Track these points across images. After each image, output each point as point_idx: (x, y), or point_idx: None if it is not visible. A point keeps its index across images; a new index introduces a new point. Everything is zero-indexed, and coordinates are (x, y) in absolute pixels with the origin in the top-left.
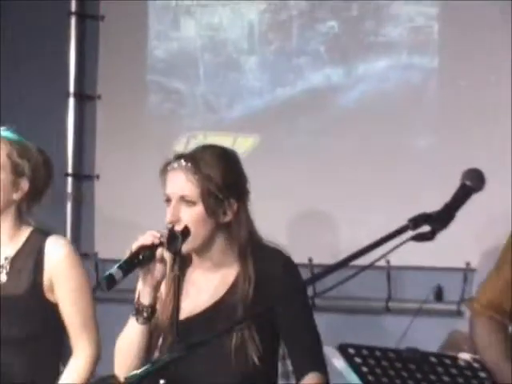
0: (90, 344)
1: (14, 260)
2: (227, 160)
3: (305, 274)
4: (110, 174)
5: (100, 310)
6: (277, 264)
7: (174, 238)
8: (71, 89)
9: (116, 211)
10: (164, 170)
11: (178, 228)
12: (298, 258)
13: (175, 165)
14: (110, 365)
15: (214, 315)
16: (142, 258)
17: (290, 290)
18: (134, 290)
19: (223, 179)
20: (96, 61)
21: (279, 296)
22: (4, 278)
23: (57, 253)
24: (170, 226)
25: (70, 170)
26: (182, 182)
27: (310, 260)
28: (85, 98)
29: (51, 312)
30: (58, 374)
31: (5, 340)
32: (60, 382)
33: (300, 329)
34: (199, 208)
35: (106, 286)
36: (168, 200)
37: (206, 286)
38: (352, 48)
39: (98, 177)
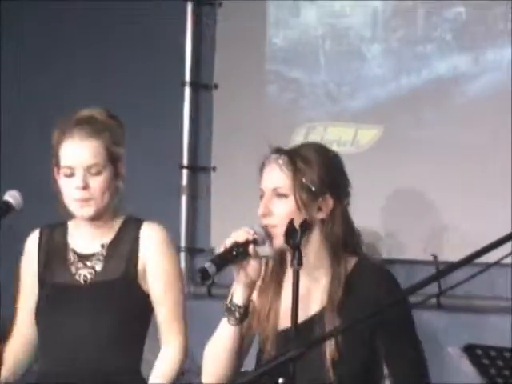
0: (179, 335)
1: (110, 247)
2: (325, 156)
3: (430, 271)
4: (227, 167)
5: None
6: (376, 282)
7: (294, 232)
8: (187, 78)
9: (233, 205)
10: (262, 165)
11: (271, 222)
12: (423, 254)
13: (271, 158)
14: None
15: (312, 326)
16: (236, 255)
17: (393, 314)
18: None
19: (319, 174)
20: (213, 49)
21: (380, 319)
22: (100, 265)
23: (152, 239)
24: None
25: (185, 163)
26: (275, 175)
27: (435, 257)
28: (201, 88)
29: (142, 300)
30: (140, 360)
31: (96, 326)
32: (154, 370)
33: (405, 345)
34: (290, 201)
35: (200, 279)
36: (262, 194)
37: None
38: (480, 35)
39: (214, 169)
